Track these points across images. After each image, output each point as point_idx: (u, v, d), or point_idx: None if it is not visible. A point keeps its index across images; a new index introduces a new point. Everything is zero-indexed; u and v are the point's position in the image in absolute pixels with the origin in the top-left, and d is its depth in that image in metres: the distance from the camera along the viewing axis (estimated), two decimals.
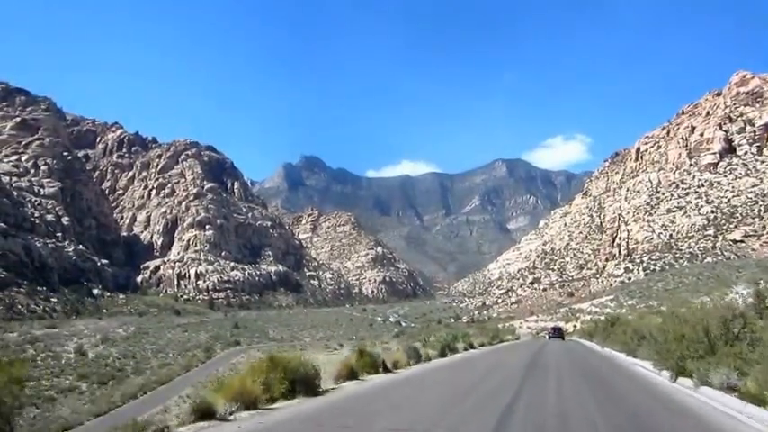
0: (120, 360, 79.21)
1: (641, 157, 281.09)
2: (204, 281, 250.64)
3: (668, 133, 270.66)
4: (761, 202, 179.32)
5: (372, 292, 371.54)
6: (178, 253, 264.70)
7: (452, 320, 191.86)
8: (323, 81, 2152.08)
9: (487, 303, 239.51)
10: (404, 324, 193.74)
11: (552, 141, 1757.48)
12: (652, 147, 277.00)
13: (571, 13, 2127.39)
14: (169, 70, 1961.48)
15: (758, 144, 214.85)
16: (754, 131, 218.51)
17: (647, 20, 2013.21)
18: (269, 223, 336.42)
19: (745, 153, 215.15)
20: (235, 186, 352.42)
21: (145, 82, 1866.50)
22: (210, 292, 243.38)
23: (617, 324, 51.09)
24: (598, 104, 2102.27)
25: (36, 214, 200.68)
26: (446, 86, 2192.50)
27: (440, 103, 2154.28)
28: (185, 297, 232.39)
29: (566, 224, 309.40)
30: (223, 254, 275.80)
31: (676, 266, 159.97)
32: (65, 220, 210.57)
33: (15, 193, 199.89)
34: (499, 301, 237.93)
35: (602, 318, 79.60)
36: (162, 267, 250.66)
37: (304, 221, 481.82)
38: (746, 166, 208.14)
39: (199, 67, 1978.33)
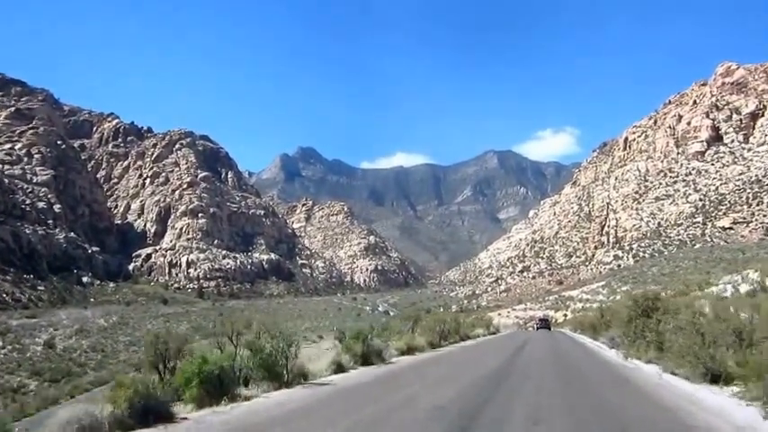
0: (87, 354, 72.99)
1: (629, 147, 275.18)
2: (195, 269, 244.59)
3: (655, 122, 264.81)
4: (749, 190, 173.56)
5: (364, 281, 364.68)
6: (170, 241, 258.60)
7: (441, 309, 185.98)
8: (320, 74, 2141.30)
9: (477, 292, 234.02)
10: (392, 314, 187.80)
11: (542, 133, 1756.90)
12: (639, 136, 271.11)
13: (559, 6, 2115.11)
14: (167, 61, 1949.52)
15: (745, 132, 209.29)
16: (741, 120, 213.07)
17: (632, 12, 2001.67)
18: (262, 212, 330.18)
19: (732, 141, 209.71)
20: (229, 175, 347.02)
21: (142, 73, 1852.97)
22: (201, 281, 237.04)
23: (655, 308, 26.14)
24: (586, 97, 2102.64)
25: (27, 201, 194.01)
26: (440, 79, 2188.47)
27: (434, 96, 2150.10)
28: (176, 286, 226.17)
29: (555, 213, 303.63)
30: (215, 242, 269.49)
31: (665, 253, 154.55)
32: (56, 207, 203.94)
33: (7, 181, 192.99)
34: (489, 289, 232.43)
35: (607, 304, 70.57)
36: (153, 255, 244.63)
37: (298, 211, 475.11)
38: (734, 153, 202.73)
39: (197, 59, 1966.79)
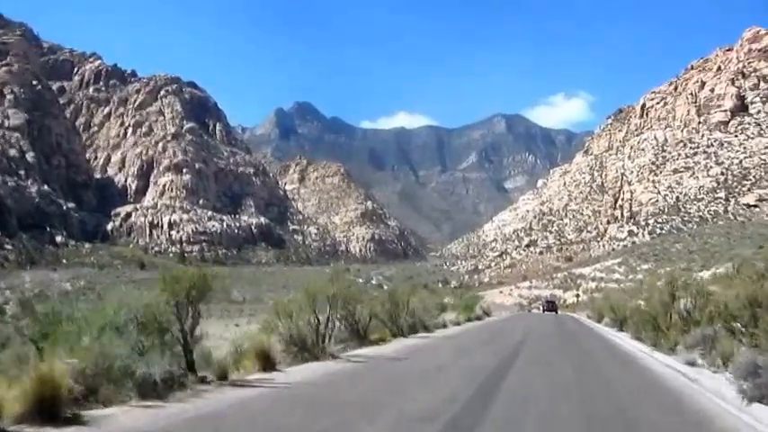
0: (30, 325, 67.93)
1: (646, 114, 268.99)
2: (178, 231, 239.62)
3: (676, 89, 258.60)
4: None
5: (360, 250, 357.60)
6: (152, 199, 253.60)
7: (440, 285, 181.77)
8: (319, 25, 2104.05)
9: (480, 267, 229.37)
10: (385, 287, 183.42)
11: (554, 99, 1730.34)
12: (658, 103, 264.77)
13: None
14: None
15: None
16: None
17: None
18: (252, 170, 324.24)
19: (759, 111, 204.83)
20: (217, 128, 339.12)
21: (129, 10, 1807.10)
22: (183, 245, 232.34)
23: None
24: (603, 61, 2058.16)
25: None
26: (447, 37, 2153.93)
27: (440, 54, 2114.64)
28: (156, 249, 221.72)
29: (565, 183, 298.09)
30: (200, 202, 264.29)
31: (685, 230, 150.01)
32: (29, 156, 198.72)
33: None
34: (492, 264, 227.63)
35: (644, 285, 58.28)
36: (134, 215, 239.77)
37: (291, 171, 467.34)
38: (759, 125, 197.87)
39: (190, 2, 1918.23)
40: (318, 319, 19.63)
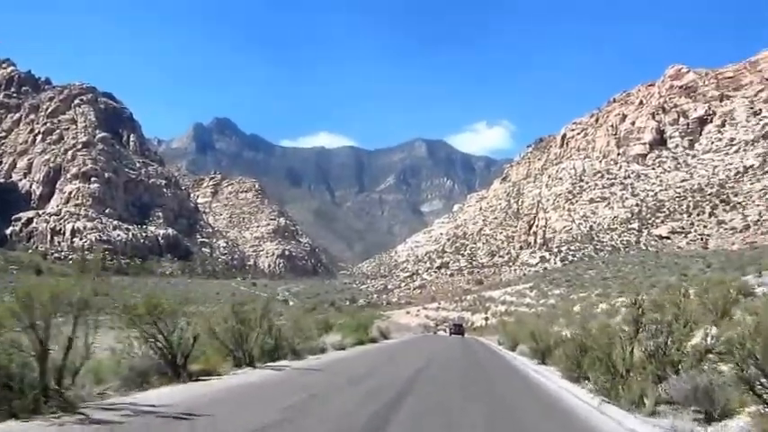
0: None
1: (566, 144, 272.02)
2: (81, 239, 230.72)
3: (597, 120, 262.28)
4: (689, 198, 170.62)
5: (269, 266, 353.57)
6: (57, 206, 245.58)
7: (348, 303, 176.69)
8: (243, 42, 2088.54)
9: (390, 287, 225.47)
10: (291, 303, 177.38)
11: (477, 126, 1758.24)
12: (579, 134, 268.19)
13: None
14: (74, 5, 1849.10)
15: (690, 138, 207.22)
16: (688, 124, 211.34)
17: (579, 10, 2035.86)
18: (163, 182, 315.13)
19: (677, 146, 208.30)
20: (131, 139, 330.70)
21: (45, 15, 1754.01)
22: (85, 252, 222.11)
23: None
24: (527, 91, 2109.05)
25: None
26: (374, 60, 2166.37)
27: (365, 76, 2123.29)
28: (56, 256, 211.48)
29: (481, 208, 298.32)
30: (107, 211, 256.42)
31: (596, 258, 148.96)
32: None
33: None
34: (402, 285, 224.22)
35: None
36: (36, 220, 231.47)
37: (205, 184, 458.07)
38: (676, 159, 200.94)
39: (110, 9, 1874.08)
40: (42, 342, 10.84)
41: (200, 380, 16.43)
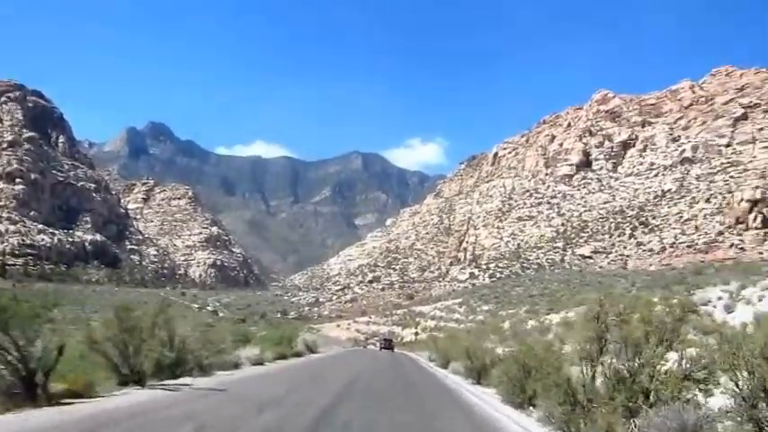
0: None
1: (498, 162, 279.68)
2: (2, 242, 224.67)
3: (527, 140, 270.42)
4: (611, 219, 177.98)
5: (200, 275, 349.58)
6: None
7: (279, 315, 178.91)
8: (180, 47, 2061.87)
9: (321, 300, 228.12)
10: (221, 314, 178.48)
11: (412, 141, 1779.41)
12: (510, 153, 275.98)
13: (444, 15, 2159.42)
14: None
15: (614, 161, 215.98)
16: (612, 147, 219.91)
17: (515, 29, 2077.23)
18: (93, 185, 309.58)
19: (601, 168, 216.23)
20: (60, 140, 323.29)
21: None
22: (6, 257, 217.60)
23: None
24: (461, 109, 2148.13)
25: None
26: (313, 72, 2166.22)
27: (304, 87, 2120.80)
28: None
29: (414, 224, 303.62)
30: (32, 213, 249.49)
31: (523, 275, 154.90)
32: None
33: None
34: (333, 298, 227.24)
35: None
36: None
37: (136, 190, 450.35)
38: (600, 181, 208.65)
39: (42, 3, 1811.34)
40: None
41: (61, 403, 12.80)
